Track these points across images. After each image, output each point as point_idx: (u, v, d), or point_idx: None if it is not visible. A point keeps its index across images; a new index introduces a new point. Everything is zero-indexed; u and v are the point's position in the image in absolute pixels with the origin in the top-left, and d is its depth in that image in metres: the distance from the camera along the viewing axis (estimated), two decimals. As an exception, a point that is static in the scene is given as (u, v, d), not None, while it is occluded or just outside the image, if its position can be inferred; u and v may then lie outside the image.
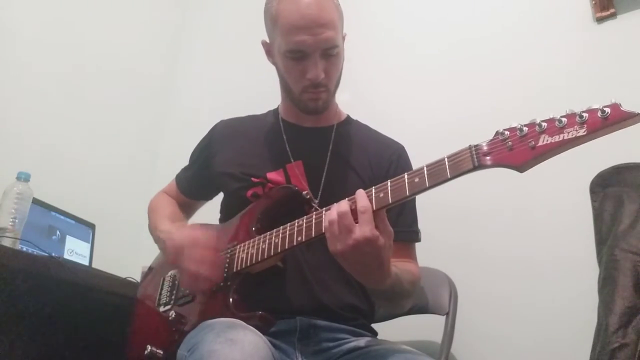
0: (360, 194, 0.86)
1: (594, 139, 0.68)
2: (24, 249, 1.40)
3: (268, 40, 1.21)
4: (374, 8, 2.18)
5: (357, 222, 0.83)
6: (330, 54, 1.12)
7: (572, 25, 1.70)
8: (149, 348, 1.07)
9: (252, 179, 1.17)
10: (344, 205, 0.86)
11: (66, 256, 1.67)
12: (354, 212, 0.84)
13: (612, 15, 1.62)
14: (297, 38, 1.08)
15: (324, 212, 0.92)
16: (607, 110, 0.67)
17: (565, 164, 1.44)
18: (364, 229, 0.82)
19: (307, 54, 1.10)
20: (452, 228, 1.63)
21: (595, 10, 1.65)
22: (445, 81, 1.88)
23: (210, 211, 1.34)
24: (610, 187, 1.40)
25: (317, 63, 1.10)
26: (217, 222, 1.26)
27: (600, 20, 1.64)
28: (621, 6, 1.61)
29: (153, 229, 1.26)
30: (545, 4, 1.77)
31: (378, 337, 1.14)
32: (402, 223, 1.13)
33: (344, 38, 1.21)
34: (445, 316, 1.33)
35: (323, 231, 0.91)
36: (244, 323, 0.89)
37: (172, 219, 1.27)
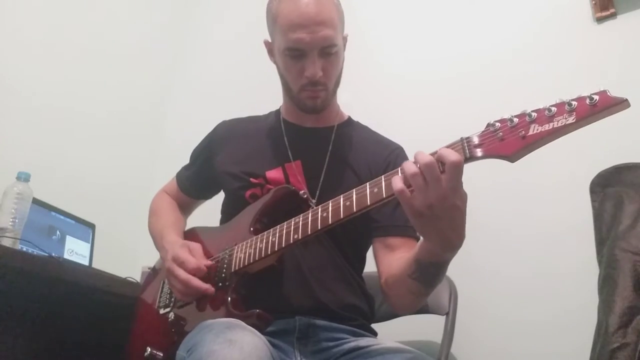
0: (446, 149, 0.77)
1: (583, 126, 0.69)
2: (24, 249, 1.40)
3: (270, 40, 1.22)
4: (374, 10, 2.18)
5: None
6: (328, 52, 1.12)
7: (572, 25, 1.70)
8: (149, 350, 1.07)
9: (251, 179, 1.17)
10: (427, 156, 0.77)
11: (66, 256, 1.67)
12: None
13: (612, 15, 1.62)
14: (295, 36, 1.09)
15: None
16: (596, 97, 0.67)
17: (565, 164, 1.45)
18: (453, 181, 0.75)
19: (305, 52, 1.11)
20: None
21: (595, 10, 1.65)
22: (446, 81, 1.88)
23: (210, 211, 1.34)
24: (610, 187, 1.40)
25: (315, 61, 1.11)
26: (218, 223, 1.26)
27: (600, 20, 1.64)
28: (621, 6, 1.61)
29: (158, 237, 1.26)
30: (545, 4, 1.77)
31: (378, 337, 1.14)
32: (399, 218, 1.11)
33: (345, 39, 1.21)
34: (445, 316, 1.33)
35: (319, 228, 0.91)
36: (243, 323, 0.89)
37: (177, 229, 1.27)
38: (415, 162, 0.78)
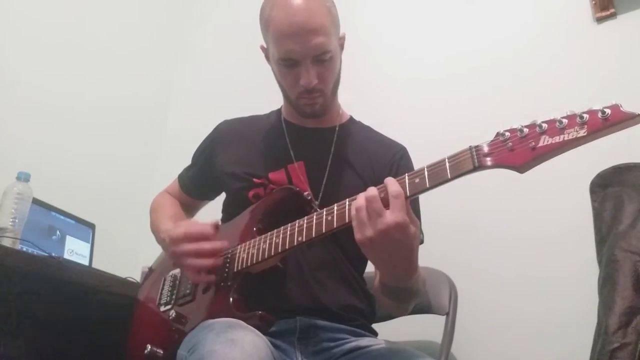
0: (391, 180, 0.83)
1: (594, 139, 0.68)
2: (24, 249, 1.40)
3: (265, 46, 1.21)
4: (374, 9, 2.18)
5: (387, 208, 0.80)
6: (322, 59, 1.10)
7: (572, 25, 1.70)
8: (149, 347, 1.07)
9: (254, 179, 1.17)
10: (372, 190, 0.82)
11: (66, 256, 1.67)
12: (383, 199, 0.81)
13: (612, 15, 1.63)
14: (287, 46, 1.08)
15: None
16: (608, 111, 0.67)
17: (565, 164, 1.44)
18: (395, 214, 0.79)
19: (298, 61, 1.10)
20: (453, 228, 1.63)
21: (595, 10, 1.65)
22: (446, 82, 1.88)
23: (211, 211, 1.34)
24: (610, 187, 1.40)
25: (309, 69, 1.09)
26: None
27: (600, 20, 1.64)
28: (621, 6, 1.61)
29: (155, 230, 1.26)
30: (545, 4, 1.77)
31: (378, 337, 1.14)
32: None
33: (342, 38, 1.20)
34: (445, 316, 1.33)
35: (324, 231, 0.91)
36: (244, 323, 0.89)
37: (175, 220, 1.25)
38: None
